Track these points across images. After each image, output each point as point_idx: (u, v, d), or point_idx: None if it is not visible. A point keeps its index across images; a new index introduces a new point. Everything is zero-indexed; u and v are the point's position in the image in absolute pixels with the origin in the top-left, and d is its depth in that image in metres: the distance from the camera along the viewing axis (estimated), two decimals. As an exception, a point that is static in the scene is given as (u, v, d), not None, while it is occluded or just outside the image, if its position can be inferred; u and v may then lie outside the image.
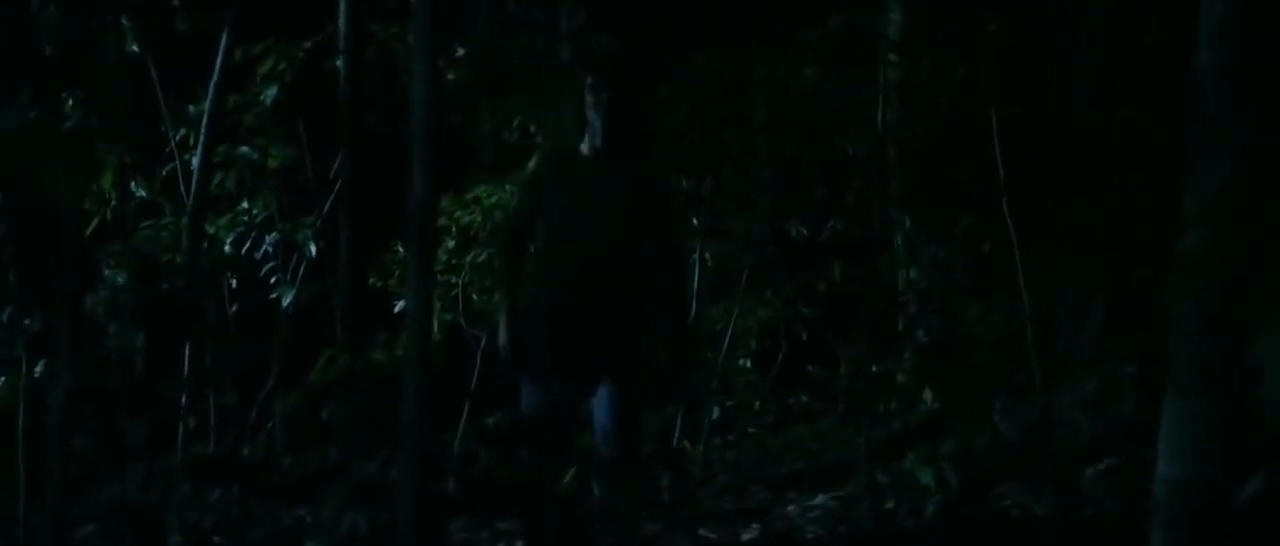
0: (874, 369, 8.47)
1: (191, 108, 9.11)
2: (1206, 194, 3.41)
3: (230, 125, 9.33)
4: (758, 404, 10.70)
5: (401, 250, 9.22)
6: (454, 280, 9.56)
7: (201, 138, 8.83)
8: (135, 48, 8.77)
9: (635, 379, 6.33)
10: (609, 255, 6.23)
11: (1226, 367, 3.53)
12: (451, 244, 9.59)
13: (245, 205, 9.30)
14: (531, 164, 6.46)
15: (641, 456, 6.68)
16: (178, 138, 9.16)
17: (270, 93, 9.42)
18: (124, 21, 8.64)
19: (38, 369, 7.97)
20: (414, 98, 3.46)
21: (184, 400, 8.55)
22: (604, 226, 6.21)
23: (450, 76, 9.21)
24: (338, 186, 8.76)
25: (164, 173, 9.26)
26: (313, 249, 8.97)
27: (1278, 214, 3.20)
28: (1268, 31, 3.58)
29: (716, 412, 10.14)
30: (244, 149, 9.52)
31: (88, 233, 8.93)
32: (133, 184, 9.13)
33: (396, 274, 9.43)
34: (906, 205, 9.99)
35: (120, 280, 8.56)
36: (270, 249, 9.14)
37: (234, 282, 9.29)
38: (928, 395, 7.90)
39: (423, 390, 3.73)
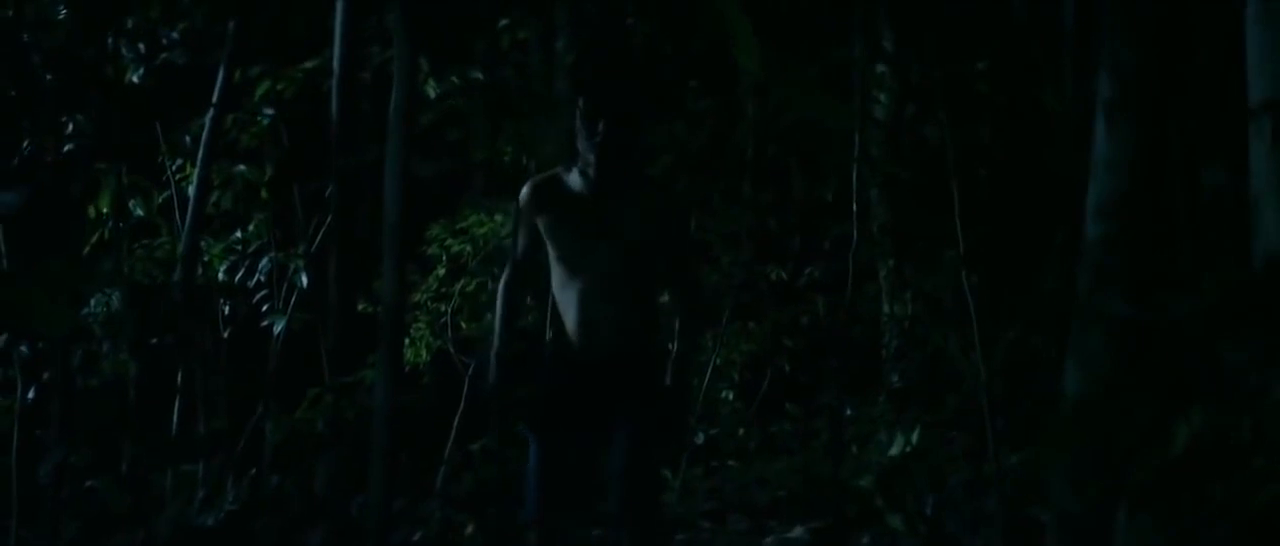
0: (849, 412, 8.61)
1: (188, 137, 9.21)
2: (1081, 364, 3.56)
3: (228, 143, 9.44)
4: (741, 431, 10.81)
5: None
6: (443, 308, 9.70)
7: (200, 158, 8.96)
8: (134, 78, 8.88)
9: (653, 420, 5.85)
10: (626, 284, 5.80)
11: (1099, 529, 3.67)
12: (442, 272, 9.74)
13: (239, 235, 9.40)
14: (524, 195, 5.96)
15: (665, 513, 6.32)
16: (176, 166, 9.27)
17: (268, 112, 9.51)
18: (123, 51, 8.78)
19: (31, 393, 8.13)
20: (386, 192, 3.56)
21: (175, 424, 8.68)
22: (616, 255, 5.75)
23: (435, 95, 9.31)
24: (329, 219, 8.88)
25: (160, 197, 9.36)
26: (304, 279, 9.09)
27: (1142, 389, 3.36)
28: (1147, 210, 3.73)
29: (701, 438, 10.27)
30: (241, 168, 9.62)
31: (85, 251, 9.09)
32: (131, 203, 9.25)
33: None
34: (890, 238, 10.13)
35: (115, 300, 8.70)
36: (263, 277, 9.25)
37: (227, 309, 9.39)
38: (899, 440, 8.03)
39: (384, 487, 3.80)
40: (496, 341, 5.95)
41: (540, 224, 5.86)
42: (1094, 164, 3.78)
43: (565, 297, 5.85)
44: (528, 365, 5.95)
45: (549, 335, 6.03)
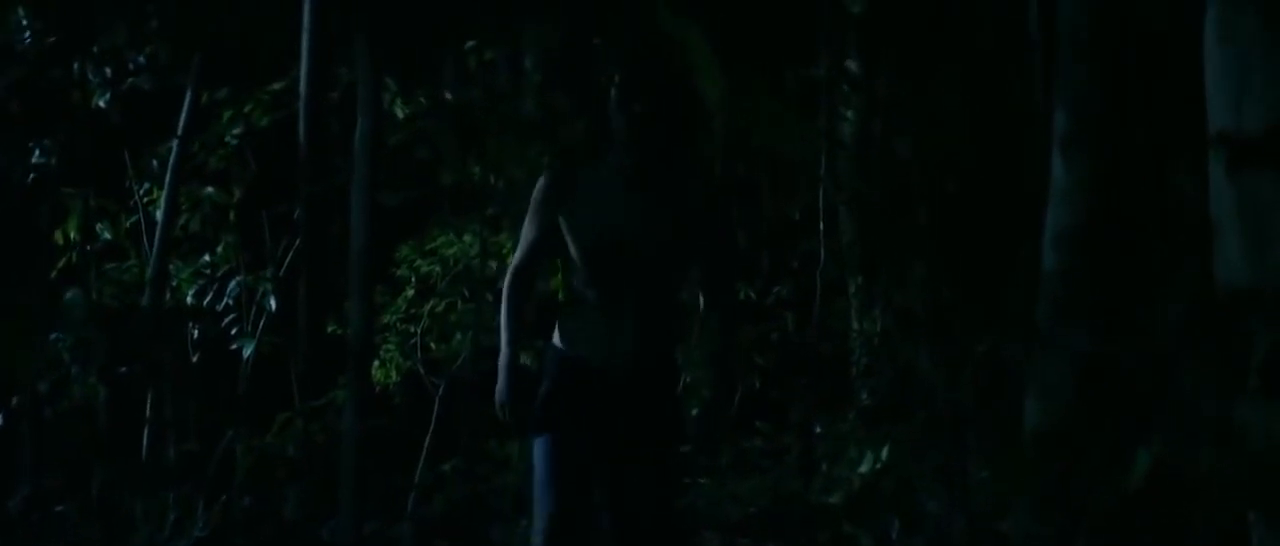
0: (819, 429, 8.64)
1: (155, 161, 9.21)
2: (1041, 396, 3.59)
3: (196, 166, 9.44)
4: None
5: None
6: (413, 329, 9.70)
7: (167, 182, 8.96)
8: (101, 103, 8.88)
9: (679, 431, 5.39)
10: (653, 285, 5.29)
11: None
12: (411, 293, 9.74)
13: (207, 258, 9.40)
14: (546, 184, 5.41)
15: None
16: (144, 189, 9.27)
17: (236, 132, 9.51)
18: (89, 76, 8.78)
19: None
20: (353, 221, 3.58)
21: (145, 449, 8.68)
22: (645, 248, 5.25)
23: (403, 117, 9.32)
24: (297, 242, 8.88)
25: (128, 221, 9.36)
26: (273, 302, 9.09)
27: (1102, 419, 3.39)
28: (1105, 240, 3.76)
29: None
30: (209, 190, 9.62)
31: (53, 274, 9.09)
32: (98, 226, 9.25)
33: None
34: (858, 253, 10.16)
35: (83, 318, 8.68)
36: (231, 301, 9.25)
37: (196, 332, 9.39)
38: (868, 457, 8.06)
39: (357, 514, 3.82)
40: (505, 350, 5.39)
41: (563, 218, 5.32)
42: (1051, 195, 3.81)
43: (585, 301, 5.33)
44: (535, 376, 5.45)
45: (558, 343, 5.39)
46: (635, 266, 5.26)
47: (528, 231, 5.46)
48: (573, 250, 5.33)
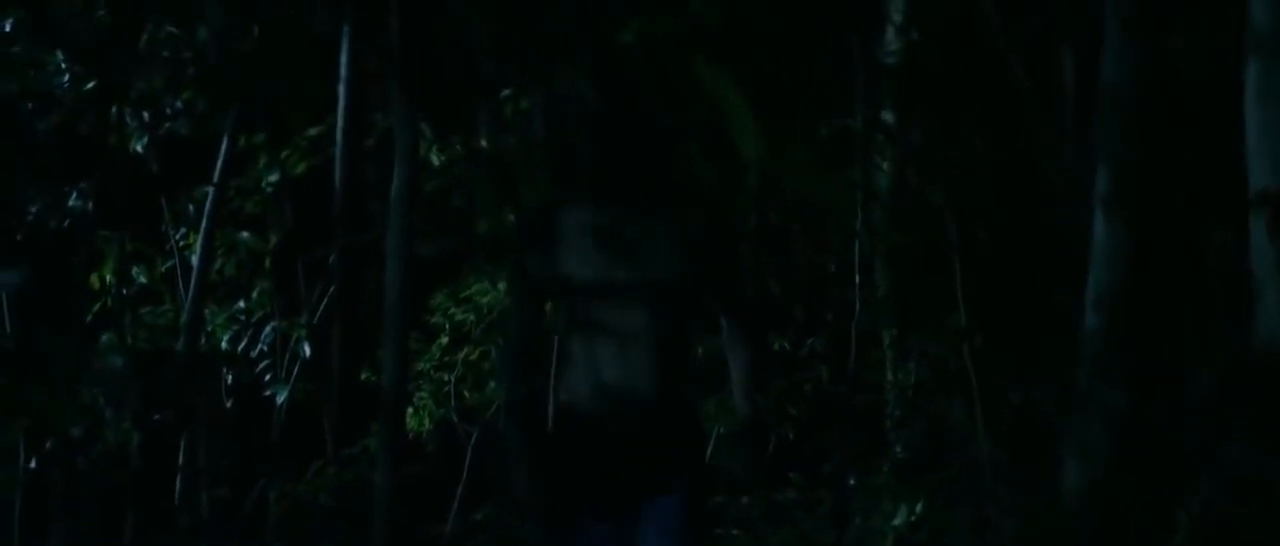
0: (852, 481, 8.59)
1: (191, 206, 9.23)
2: (1081, 457, 3.57)
3: (231, 211, 9.46)
4: (744, 499, 10.75)
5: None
6: (447, 377, 9.70)
7: (203, 227, 8.98)
8: (138, 147, 8.91)
9: (703, 490, 4.75)
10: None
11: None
12: (445, 340, 9.74)
13: (242, 304, 9.41)
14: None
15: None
16: (180, 234, 9.29)
17: (272, 178, 9.53)
18: (127, 119, 8.81)
19: (32, 462, 8.14)
20: (388, 274, 3.58)
21: (177, 495, 8.68)
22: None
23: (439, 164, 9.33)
24: (331, 289, 8.89)
25: (163, 265, 9.38)
26: (306, 349, 9.09)
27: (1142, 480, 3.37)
28: (1145, 301, 3.75)
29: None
30: (244, 235, 9.64)
31: (88, 318, 9.10)
32: (134, 270, 9.27)
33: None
34: (893, 305, 10.11)
35: (118, 363, 8.69)
36: (265, 347, 9.26)
37: (230, 378, 9.39)
38: (903, 511, 8.01)
39: None
40: (520, 463, 5.00)
41: (553, 254, 4.68)
42: (1092, 256, 3.79)
43: (589, 347, 4.62)
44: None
45: (562, 396, 4.71)
46: (624, 308, 4.59)
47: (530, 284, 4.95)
48: (569, 290, 4.66)
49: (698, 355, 5.07)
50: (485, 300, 9.60)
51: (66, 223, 8.76)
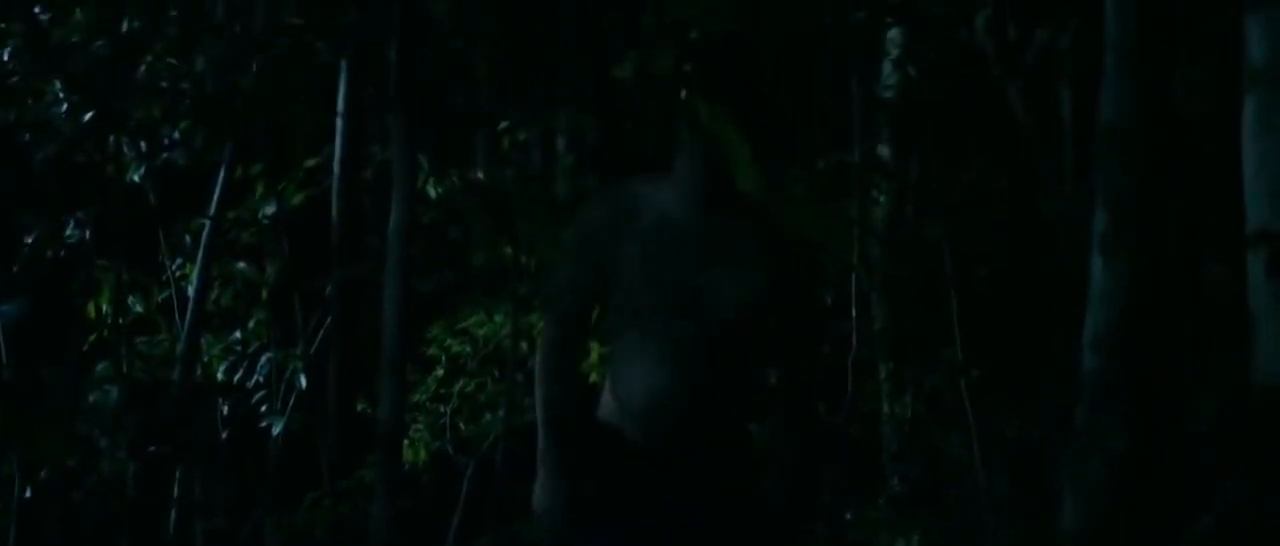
0: (849, 515, 8.60)
1: (188, 236, 9.22)
2: (1080, 498, 3.56)
3: (228, 241, 9.46)
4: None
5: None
6: (443, 409, 9.69)
7: (200, 258, 8.97)
8: (135, 177, 8.90)
9: (760, 529, 4.24)
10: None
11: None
12: (441, 372, 9.73)
13: (238, 335, 9.40)
14: (592, 214, 4.27)
15: None
16: (177, 264, 9.28)
17: (268, 209, 9.53)
18: (124, 149, 8.80)
19: (27, 492, 8.11)
20: (386, 310, 3.58)
21: (172, 526, 8.65)
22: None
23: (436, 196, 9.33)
24: (328, 321, 8.88)
25: (160, 295, 9.37)
26: (303, 380, 9.08)
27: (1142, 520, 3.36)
28: (1144, 341, 3.74)
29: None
30: (241, 265, 9.63)
31: (84, 348, 9.09)
32: (130, 299, 9.26)
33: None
34: (890, 338, 10.13)
35: (113, 395, 8.68)
36: (261, 378, 9.24)
37: (225, 409, 9.38)
38: (899, 545, 8.03)
39: None
40: (547, 442, 4.23)
41: (610, 257, 4.16)
42: (1090, 296, 3.79)
43: (635, 366, 4.17)
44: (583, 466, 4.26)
45: (603, 417, 4.30)
46: (705, 320, 4.10)
47: (568, 278, 4.31)
48: (621, 296, 4.19)
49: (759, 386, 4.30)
50: (482, 332, 9.59)
51: (63, 252, 8.74)
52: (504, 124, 9.70)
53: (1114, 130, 4.04)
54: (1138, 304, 3.83)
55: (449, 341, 9.73)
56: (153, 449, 8.35)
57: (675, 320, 4.10)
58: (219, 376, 9.40)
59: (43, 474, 8.34)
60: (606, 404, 4.31)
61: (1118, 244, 3.81)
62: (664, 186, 4.17)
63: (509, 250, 9.39)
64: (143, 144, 9.03)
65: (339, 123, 8.83)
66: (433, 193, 9.31)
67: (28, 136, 8.36)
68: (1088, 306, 3.85)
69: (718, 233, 4.11)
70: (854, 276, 9.34)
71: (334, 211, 8.66)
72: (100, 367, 8.65)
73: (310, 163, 9.46)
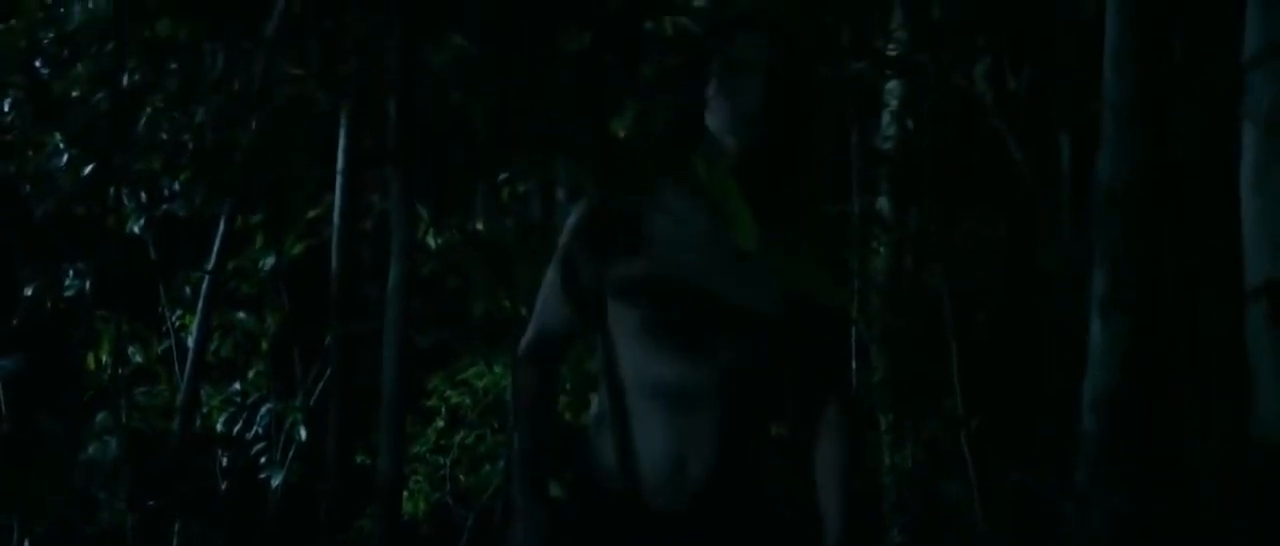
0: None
1: (187, 288, 9.23)
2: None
3: (228, 292, 9.46)
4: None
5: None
6: (442, 461, 9.68)
7: (199, 309, 8.97)
8: (135, 228, 8.90)
9: None
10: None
11: None
12: (440, 424, 9.73)
13: (238, 386, 9.40)
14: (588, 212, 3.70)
15: None
16: (176, 315, 9.28)
17: (268, 260, 9.54)
18: (124, 200, 8.81)
19: (26, 544, 8.09)
20: (385, 372, 3.57)
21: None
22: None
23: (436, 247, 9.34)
24: (328, 373, 8.86)
25: (160, 346, 9.37)
26: (302, 432, 9.07)
27: None
28: (1143, 402, 3.73)
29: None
30: (241, 315, 9.64)
31: (85, 399, 9.08)
32: (130, 350, 9.26)
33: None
34: (890, 388, 10.13)
35: (113, 446, 8.67)
36: (261, 429, 9.24)
37: (225, 460, 9.37)
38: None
39: None
40: (523, 480, 3.59)
41: (614, 267, 3.62)
42: (1089, 358, 3.78)
43: (644, 401, 3.56)
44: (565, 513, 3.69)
45: (592, 467, 3.72)
46: (732, 346, 3.57)
47: (551, 291, 3.73)
48: (628, 317, 3.62)
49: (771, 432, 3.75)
50: (481, 383, 9.59)
51: (62, 303, 8.75)
52: (504, 175, 9.72)
53: (1111, 191, 4.05)
54: (1137, 367, 3.82)
55: (448, 392, 9.73)
56: (152, 501, 8.32)
57: (703, 342, 3.54)
58: (218, 427, 9.39)
59: (40, 529, 8.32)
60: (600, 444, 3.70)
61: (1116, 305, 3.81)
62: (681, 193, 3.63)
63: (508, 302, 9.39)
64: (143, 195, 9.06)
65: (339, 178, 8.83)
66: (432, 243, 9.32)
67: (28, 189, 8.38)
68: (1087, 368, 3.84)
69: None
70: (853, 327, 9.34)
71: (334, 262, 8.64)
72: (99, 418, 8.65)
73: (311, 213, 9.47)
